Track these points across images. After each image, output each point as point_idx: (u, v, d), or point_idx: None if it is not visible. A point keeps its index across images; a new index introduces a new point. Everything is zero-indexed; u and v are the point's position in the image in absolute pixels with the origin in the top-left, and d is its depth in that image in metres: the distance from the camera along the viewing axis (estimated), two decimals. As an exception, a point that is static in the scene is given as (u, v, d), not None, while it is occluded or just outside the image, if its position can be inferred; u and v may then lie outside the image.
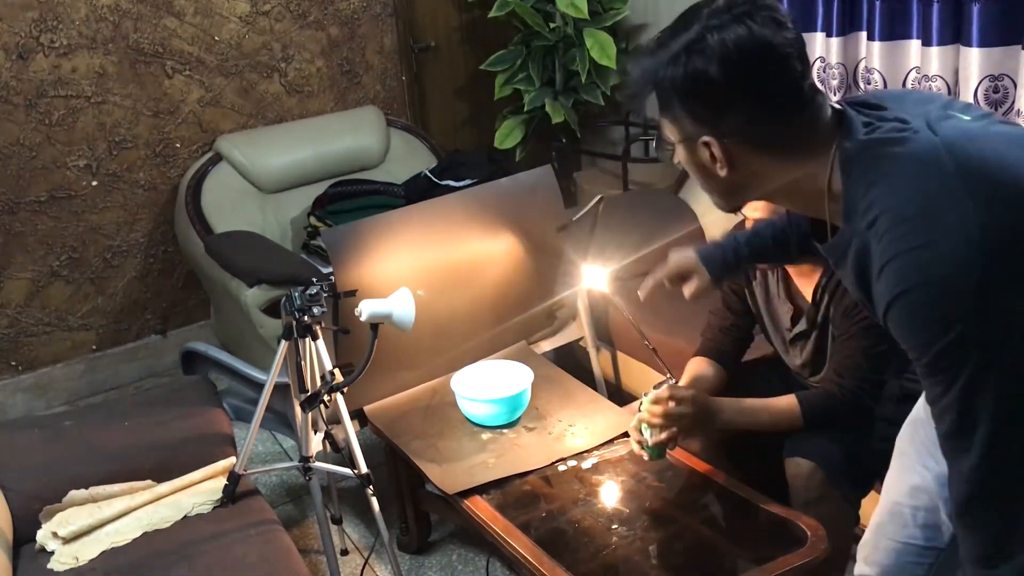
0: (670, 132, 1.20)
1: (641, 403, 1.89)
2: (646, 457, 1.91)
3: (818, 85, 1.19)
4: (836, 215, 1.17)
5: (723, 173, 1.17)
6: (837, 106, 1.18)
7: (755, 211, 1.83)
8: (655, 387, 1.89)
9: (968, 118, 1.17)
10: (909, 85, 2.67)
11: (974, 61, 2.43)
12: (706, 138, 1.15)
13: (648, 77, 1.16)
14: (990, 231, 1.04)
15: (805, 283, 1.94)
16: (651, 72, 1.15)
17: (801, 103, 1.13)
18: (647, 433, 1.87)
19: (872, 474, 1.87)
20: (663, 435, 1.85)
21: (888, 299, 1.09)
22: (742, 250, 1.74)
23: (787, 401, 1.91)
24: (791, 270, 1.96)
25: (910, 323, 1.09)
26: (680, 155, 1.21)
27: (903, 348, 1.13)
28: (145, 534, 1.94)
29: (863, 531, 1.65)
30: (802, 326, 1.96)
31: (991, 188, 1.07)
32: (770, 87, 1.12)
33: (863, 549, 1.55)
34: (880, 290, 1.10)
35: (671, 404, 1.84)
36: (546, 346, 2.66)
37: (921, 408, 1.51)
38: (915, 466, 1.48)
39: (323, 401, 1.90)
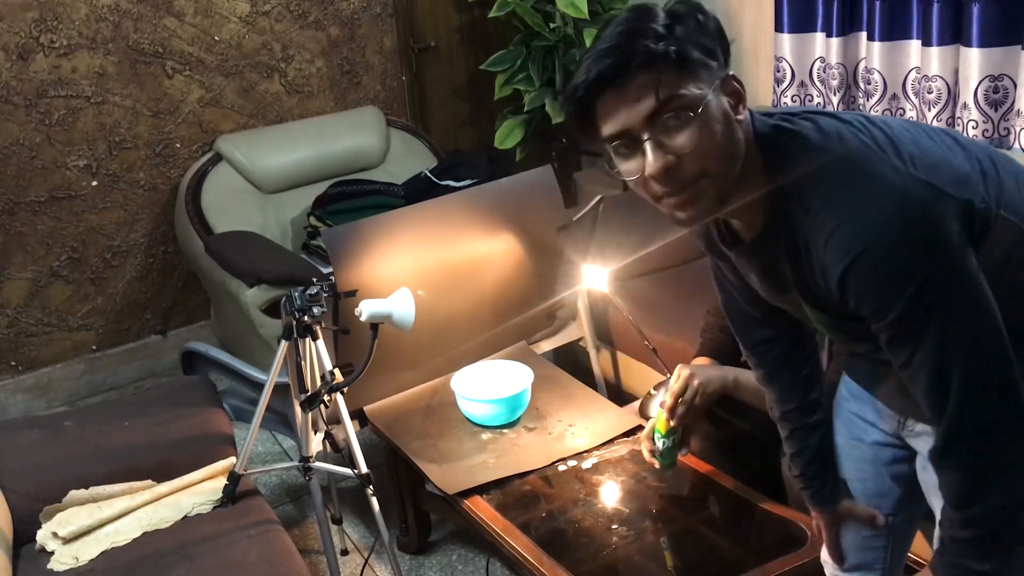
0: (695, 88, 1.07)
1: (655, 413, 1.88)
2: (657, 466, 1.90)
3: None
4: (756, 188, 1.15)
5: (744, 114, 1.13)
6: None
7: None
8: (655, 388, 1.89)
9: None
10: (909, 85, 2.67)
11: (974, 61, 2.43)
12: (728, 72, 1.11)
13: (659, 42, 1.06)
14: (919, 178, 1.07)
15: None
16: (655, 36, 1.06)
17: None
18: (659, 442, 1.86)
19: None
20: (697, 400, 1.85)
21: (844, 265, 1.08)
22: None
23: None
24: None
25: (871, 283, 1.08)
26: (707, 116, 1.07)
27: (864, 314, 1.12)
28: (145, 534, 1.94)
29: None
30: None
31: (899, 148, 1.10)
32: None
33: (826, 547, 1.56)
34: (831, 259, 1.09)
35: (683, 397, 1.85)
36: (546, 346, 2.66)
37: (843, 387, 1.52)
38: (849, 440, 1.49)
39: (323, 401, 1.90)
